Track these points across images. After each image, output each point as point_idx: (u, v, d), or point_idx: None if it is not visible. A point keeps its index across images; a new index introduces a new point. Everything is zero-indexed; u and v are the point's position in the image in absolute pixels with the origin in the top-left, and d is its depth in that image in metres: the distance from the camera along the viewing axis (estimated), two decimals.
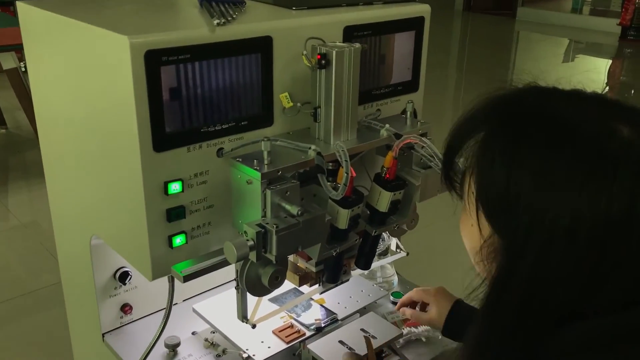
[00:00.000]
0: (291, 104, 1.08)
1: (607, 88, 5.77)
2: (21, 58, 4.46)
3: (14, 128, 4.48)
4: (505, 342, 0.61)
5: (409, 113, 1.18)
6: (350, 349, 1.20)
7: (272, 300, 1.27)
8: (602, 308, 0.58)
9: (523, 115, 0.61)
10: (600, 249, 0.56)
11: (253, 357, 1.16)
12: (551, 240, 0.56)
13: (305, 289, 1.22)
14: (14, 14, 5.46)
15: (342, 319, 1.29)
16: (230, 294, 1.33)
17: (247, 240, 0.93)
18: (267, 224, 0.94)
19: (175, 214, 0.99)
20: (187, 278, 0.99)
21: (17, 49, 3.69)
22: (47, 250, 2.84)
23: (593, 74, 6.21)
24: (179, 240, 1.01)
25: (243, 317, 1.09)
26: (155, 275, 1.02)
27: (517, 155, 0.58)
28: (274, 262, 0.98)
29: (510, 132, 0.60)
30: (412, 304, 1.30)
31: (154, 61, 0.90)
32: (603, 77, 6.15)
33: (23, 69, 3.83)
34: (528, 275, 0.57)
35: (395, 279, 1.48)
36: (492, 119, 0.62)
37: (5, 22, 4.01)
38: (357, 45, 1.05)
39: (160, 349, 1.23)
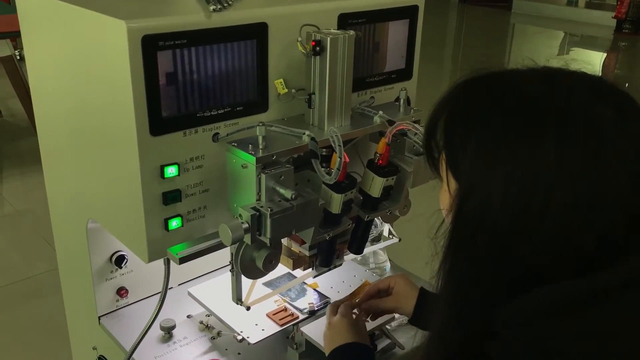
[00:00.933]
0: (286, 90, 1.09)
1: None
2: (16, 46, 4.45)
3: (8, 116, 4.48)
4: (462, 294, 0.68)
5: (402, 100, 1.20)
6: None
7: (266, 284, 1.29)
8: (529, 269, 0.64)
9: (483, 86, 0.70)
10: (526, 204, 0.62)
11: (247, 339, 1.18)
12: (489, 195, 0.63)
13: (298, 273, 1.24)
14: (9, 1, 5.44)
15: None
16: (224, 279, 1.35)
17: (242, 223, 0.95)
18: (262, 207, 0.96)
19: (171, 197, 1.00)
20: (182, 260, 1.01)
21: (13, 36, 3.68)
22: (42, 238, 2.85)
23: (588, 66, 6.22)
24: (174, 224, 1.03)
25: (238, 299, 1.11)
26: (151, 258, 1.04)
27: (469, 121, 0.68)
28: (268, 244, 0.99)
29: (466, 102, 0.70)
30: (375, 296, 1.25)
31: (150, 46, 0.91)
32: (598, 70, 6.14)
33: (18, 57, 3.82)
34: (472, 218, 0.65)
35: (388, 265, 1.51)
36: (458, 95, 0.72)
37: (0, 10, 3.99)
38: (352, 32, 1.06)
39: (156, 332, 1.25)
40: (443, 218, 0.74)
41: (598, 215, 0.61)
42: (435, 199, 0.80)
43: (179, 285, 1.39)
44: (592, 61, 6.56)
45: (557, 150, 0.61)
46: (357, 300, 1.23)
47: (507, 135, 0.63)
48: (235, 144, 1.00)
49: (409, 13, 1.26)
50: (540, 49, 7.03)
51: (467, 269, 0.68)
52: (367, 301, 1.22)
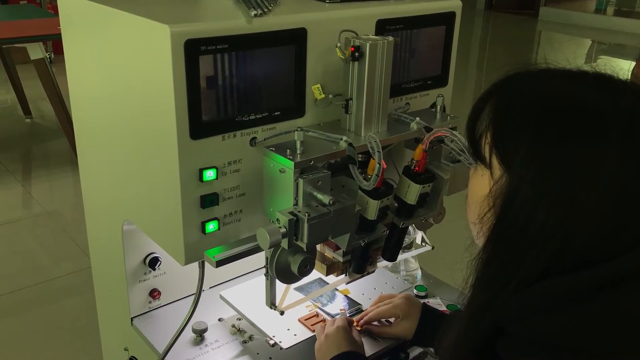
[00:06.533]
0: (323, 95, 1.10)
1: None
2: (46, 49, 4.53)
3: (38, 118, 4.56)
4: (500, 279, 0.68)
5: (438, 107, 1.19)
6: (375, 339, 1.22)
7: (297, 289, 1.29)
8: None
9: (541, 85, 0.70)
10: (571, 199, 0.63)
11: (279, 343, 1.18)
12: (539, 194, 0.65)
13: (331, 278, 1.24)
14: (40, 5, 5.55)
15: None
16: (255, 282, 1.36)
17: (280, 227, 0.95)
18: (299, 212, 0.96)
19: (209, 200, 1.01)
20: (219, 263, 1.01)
21: (45, 39, 3.74)
22: (70, 238, 2.89)
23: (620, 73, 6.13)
24: (211, 227, 1.03)
25: (271, 304, 1.11)
26: (187, 261, 1.04)
27: (525, 117, 0.68)
28: (305, 249, 0.99)
29: (523, 96, 0.70)
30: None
31: (193, 50, 0.92)
32: (626, 79, 6.08)
33: (49, 60, 3.89)
34: (526, 199, 0.65)
35: (419, 272, 1.50)
36: (502, 87, 0.73)
37: (32, 14, 4.08)
38: (390, 38, 1.06)
39: (188, 334, 1.25)
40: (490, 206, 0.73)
41: (625, 223, 0.63)
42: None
43: (210, 288, 1.39)
44: (621, 70, 6.45)
45: (616, 163, 0.62)
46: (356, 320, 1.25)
47: (566, 141, 0.64)
48: (273, 149, 1.00)
49: (446, 20, 1.26)
50: (567, 57, 6.94)
51: (507, 257, 0.68)
52: (369, 326, 1.24)
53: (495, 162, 0.71)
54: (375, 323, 1.25)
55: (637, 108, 0.65)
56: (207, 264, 1.07)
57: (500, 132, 0.71)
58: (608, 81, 0.69)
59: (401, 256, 1.39)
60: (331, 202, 0.97)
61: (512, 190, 0.67)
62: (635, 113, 0.65)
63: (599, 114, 0.65)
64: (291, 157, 0.97)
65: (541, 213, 0.64)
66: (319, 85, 1.09)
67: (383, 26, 1.15)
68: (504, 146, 0.70)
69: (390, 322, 1.24)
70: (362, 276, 1.22)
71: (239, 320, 1.28)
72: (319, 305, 1.30)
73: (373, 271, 1.23)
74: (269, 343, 1.20)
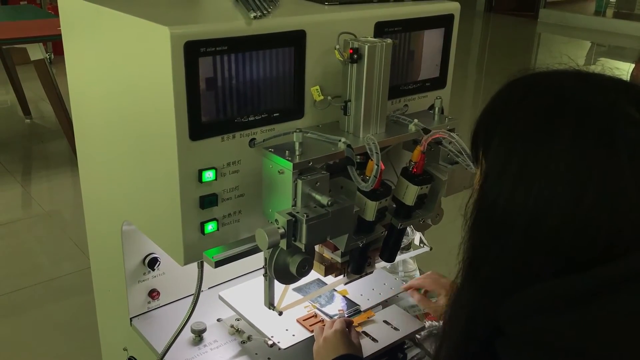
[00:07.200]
0: (322, 97, 1.10)
1: None
2: (46, 49, 4.54)
3: (38, 118, 4.56)
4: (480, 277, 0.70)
5: (437, 109, 1.20)
6: (373, 339, 1.22)
7: (296, 290, 1.30)
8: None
9: (516, 84, 0.74)
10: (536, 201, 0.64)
11: (278, 344, 1.18)
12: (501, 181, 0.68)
13: (329, 279, 1.24)
14: (40, 5, 5.56)
15: (365, 311, 1.31)
16: (254, 283, 1.36)
17: (278, 228, 0.96)
18: (298, 213, 0.97)
19: (208, 201, 1.02)
20: (218, 264, 1.02)
21: (45, 40, 3.75)
22: (70, 239, 2.89)
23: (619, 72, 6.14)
24: (210, 227, 1.04)
25: (270, 304, 1.11)
26: (187, 261, 1.05)
27: (500, 114, 0.72)
28: (303, 250, 1.00)
29: (501, 99, 0.74)
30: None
31: (193, 52, 0.93)
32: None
33: (49, 61, 3.89)
34: (494, 183, 0.68)
35: (417, 274, 1.50)
36: (499, 93, 0.75)
37: (32, 15, 4.08)
38: (389, 40, 1.07)
39: (187, 334, 1.26)
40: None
41: (600, 215, 0.62)
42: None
43: (209, 288, 1.40)
44: (620, 72, 6.46)
45: (571, 149, 0.63)
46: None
47: (526, 130, 0.67)
48: (272, 150, 1.01)
49: (444, 22, 1.27)
50: (566, 59, 6.95)
51: (480, 241, 0.71)
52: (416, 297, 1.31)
53: (483, 162, 0.74)
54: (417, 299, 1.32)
55: (598, 97, 0.67)
56: (206, 265, 1.08)
57: (482, 131, 0.74)
58: (577, 73, 0.73)
59: (399, 257, 1.39)
60: (329, 203, 0.98)
61: (484, 177, 0.71)
62: (602, 106, 0.65)
63: (570, 108, 0.66)
64: (290, 158, 0.98)
65: (503, 194, 0.67)
66: (317, 87, 1.10)
67: (382, 28, 1.15)
68: (483, 143, 0.73)
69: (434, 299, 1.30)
70: (361, 277, 1.23)
71: (238, 320, 1.29)
72: (318, 305, 1.31)
73: (371, 272, 1.23)
74: (267, 343, 1.21)
